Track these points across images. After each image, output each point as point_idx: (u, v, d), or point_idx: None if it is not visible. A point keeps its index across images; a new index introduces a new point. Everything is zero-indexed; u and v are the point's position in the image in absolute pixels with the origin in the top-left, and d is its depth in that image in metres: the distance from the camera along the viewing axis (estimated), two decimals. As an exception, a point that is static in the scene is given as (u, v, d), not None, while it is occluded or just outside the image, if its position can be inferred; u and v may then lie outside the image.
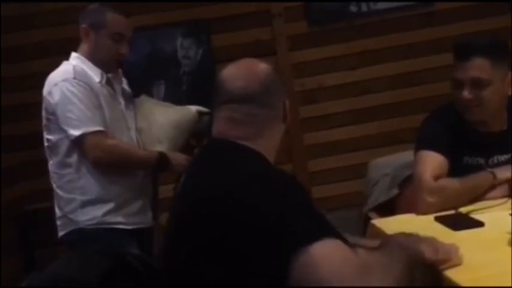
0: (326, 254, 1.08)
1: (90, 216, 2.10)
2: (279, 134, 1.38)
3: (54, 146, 2.12)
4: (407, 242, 1.25)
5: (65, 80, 2.05)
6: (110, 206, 2.11)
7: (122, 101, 2.23)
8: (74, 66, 2.10)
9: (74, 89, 2.03)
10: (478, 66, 1.81)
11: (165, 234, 1.34)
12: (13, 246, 3.26)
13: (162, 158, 2.15)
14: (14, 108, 3.44)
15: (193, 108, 2.33)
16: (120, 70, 2.26)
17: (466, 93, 1.84)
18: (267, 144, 1.33)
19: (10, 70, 3.47)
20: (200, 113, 2.31)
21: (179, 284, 1.24)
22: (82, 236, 2.11)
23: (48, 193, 3.14)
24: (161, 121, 2.25)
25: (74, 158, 2.09)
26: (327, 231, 1.13)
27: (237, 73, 1.35)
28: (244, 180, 1.20)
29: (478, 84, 1.82)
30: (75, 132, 2.03)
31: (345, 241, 1.14)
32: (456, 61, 1.87)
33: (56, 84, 2.06)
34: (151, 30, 3.50)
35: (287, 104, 1.39)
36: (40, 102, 2.13)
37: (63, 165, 2.11)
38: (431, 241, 1.29)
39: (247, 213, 1.15)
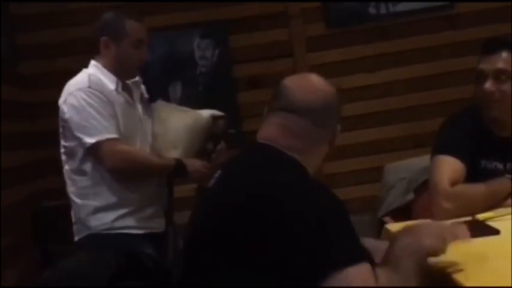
0: (360, 281, 1.08)
1: (102, 221, 2.13)
2: (322, 155, 1.37)
3: (70, 153, 2.16)
4: (411, 244, 1.21)
5: (79, 90, 2.08)
6: (123, 211, 2.14)
7: (140, 107, 2.24)
8: (90, 76, 2.13)
9: (88, 99, 2.06)
10: (503, 59, 1.80)
11: (189, 229, 1.32)
12: (30, 243, 3.29)
13: (178, 165, 2.16)
14: (37, 106, 3.48)
15: (207, 112, 2.33)
16: (138, 77, 2.27)
17: (488, 85, 1.81)
18: (311, 161, 1.32)
19: (32, 68, 3.51)
20: (214, 117, 2.31)
21: (201, 283, 1.22)
22: (94, 241, 2.15)
23: (64, 191, 3.13)
24: (176, 126, 2.26)
25: (88, 166, 2.12)
26: (360, 253, 1.13)
27: (303, 84, 1.35)
28: (288, 186, 1.19)
29: (500, 76, 1.80)
30: (90, 140, 2.06)
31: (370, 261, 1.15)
32: (482, 56, 1.86)
33: (70, 94, 2.10)
34: (169, 31, 3.51)
35: (338, 130, 1.39)
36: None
37: (78, 172, 2.15)
38: (433, 229, 1.26)
39: (288, 218, 1.13)
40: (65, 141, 2.16)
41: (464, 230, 1.30)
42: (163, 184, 2.27)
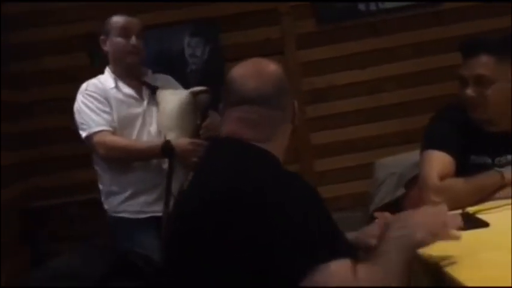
0: (338, 278, 1.08)
1: (112, 205, 2.40)
2: (288, 134, 1.38)
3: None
4: (402, 237, 1.20)
5: (80, 93, 2.40)
6: (126, 194, 2.37)
7: (146, 99, 2.42)
8: (92, 80, 2.42)
9: (84, 100, 2.36)
10: (483, 64, 1.79)
11: (169, 232, 1.32)
12: (19, 243, 3.27)
13: (165, 147, 2.29)
14: (24, 106, 3.46)
15: (186, 91, 2.42)
16: (149, 71, 2.51)
17: (469, 91, 1.82)
18: (278, 145, 1.33)
19: (19, 67, 3.49)
20: (194, 93, 2.38)
21: (185, 283, 1.22)
22: (109, 221, 2.43)
23: (57, 190, 3.13)
24: (167, 110, 2.38)
25: (97, 156, 2.40)
26: (340, 244, 1.14)
27: (248, 73, 1.34)
28: (262, 180, 1.18)
29: (481, 81, 1.80)
30: (83, 134, 2.35)
31: (353, 252, 1.15)
32: (463, 59, 1.86)
33: (76, 99, 2.40)
34: (159, 29, 3.50)
35: (296, 105, 1.39)
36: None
37: (95, 163, 2.45)
38: (426, 220, 1.24)
39: (267, 213, 1.13)
40: None
41: (456, 219, 1.29)
42: (165, 167, 2.36)
